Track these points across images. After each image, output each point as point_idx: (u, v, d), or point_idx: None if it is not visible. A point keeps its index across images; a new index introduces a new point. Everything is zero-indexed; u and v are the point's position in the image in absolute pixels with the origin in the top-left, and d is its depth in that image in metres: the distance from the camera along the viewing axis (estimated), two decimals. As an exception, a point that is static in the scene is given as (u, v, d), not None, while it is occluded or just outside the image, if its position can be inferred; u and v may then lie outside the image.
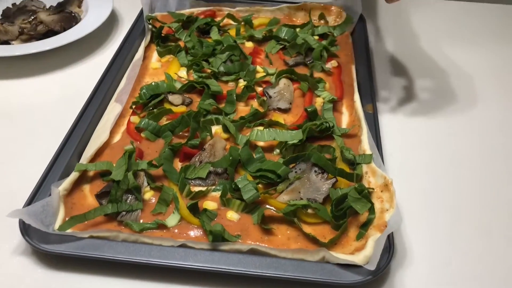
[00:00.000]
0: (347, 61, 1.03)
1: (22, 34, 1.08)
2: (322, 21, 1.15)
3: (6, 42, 1.06)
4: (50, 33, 1.08)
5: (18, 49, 1.02)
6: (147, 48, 1.04)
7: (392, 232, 0.67)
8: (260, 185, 0.75)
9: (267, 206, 0.73)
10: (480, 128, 0.93)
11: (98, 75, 0.94)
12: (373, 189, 0.73)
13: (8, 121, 0.91)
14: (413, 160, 0.85)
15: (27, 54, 1.01)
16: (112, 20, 1.19)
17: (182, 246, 0.66)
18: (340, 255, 0.64)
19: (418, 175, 0.82)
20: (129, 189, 0.72)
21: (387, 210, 0.69)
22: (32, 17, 1.11)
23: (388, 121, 0.91)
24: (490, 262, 0.70)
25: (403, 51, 1.12)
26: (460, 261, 0.70)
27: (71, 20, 1.12)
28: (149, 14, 1.10)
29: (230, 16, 1.13)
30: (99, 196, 0.73)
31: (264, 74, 0.97)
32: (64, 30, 1.09)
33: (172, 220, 0.70)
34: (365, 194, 0.70)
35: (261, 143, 0.82)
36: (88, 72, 1.03)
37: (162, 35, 1.07)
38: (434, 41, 1.15)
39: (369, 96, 0.91)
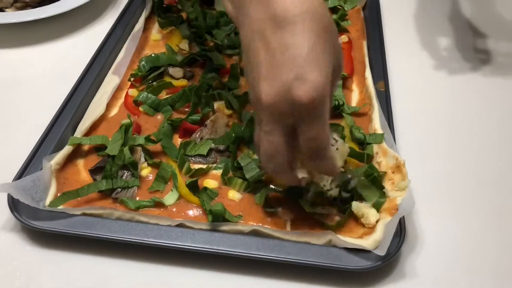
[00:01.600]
0: (358, 36, 0.98)
1: (17, 2, 1.03)
2: (332, -6, 1.09)
3: (0, 10, 1.02)
4: (47, 1, 1.03)
5: (12, 16, 0.98)
6: (147, 19, 1.00)
7: (403, 216, 0.63)
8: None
9: (271, 186, 0.68)
10: (503, 109, 0.88)
11: (95, 46, 0.90)
12: (384, 172, 0.69)
13: (1, 91, 0.87)
14: (426, 141, 0.80)
15: (22, 22, 0.96)
16: (111, -11, 1.14)
17: (180, 225, 0.62)
18: (348, 239, 0.61)
19: (431, 156, 0.78)
20: (125, 165, 0.69)
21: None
22: (28, -16, 1.06)
23: (400, 99, 0.86)
24: (504, 249, 0.66)
25: (417, 28, 1.06)
26: (473, 248, 0.66)
27: (69, -12, 1.07)
28: (151, -17, 1.05)
29: (235, -13, 1.07)
30: (93, 172, 0.69)
31: (272, 49, 0.93)
32: (61, -2, 1.04)
33: (170, 198, 0.66)
34: (375, 178, 0.66)
35: (265, 120, 0.78)
36: (86, 42, 0.98)
37: (164, 5, 1.03)
38: (451, 17, 1.10)
39: (381, 73, 0.87)
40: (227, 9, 0.60)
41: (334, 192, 0.66)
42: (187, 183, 0.67)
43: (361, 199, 0.66)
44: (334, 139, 0.63)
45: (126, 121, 0.75)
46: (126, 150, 0.69)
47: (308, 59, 0.49)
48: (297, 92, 0.49)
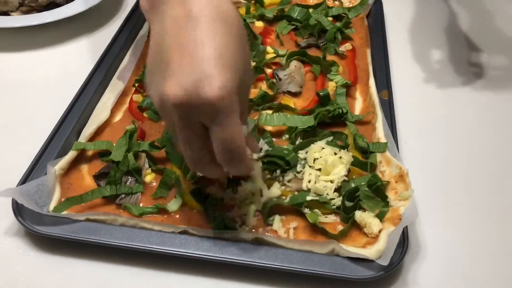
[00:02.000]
0: (361, 44, 0.98)
1: (23, 6, 1.03)
2: (336, 2, 1.10)
3: (6, 14, 1.02)
4: (52, 5, 1.03)
5: (17, 20, 0.98)
6: (152, 24, 1.00)
7: (406, 226, 0.63)
8: (266, 171, 0.71)
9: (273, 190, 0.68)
10: (506, 118, 0.88)
11: (100, 51, 0.90)
12: (388, 182, 0.69)
13: (5, 95, 0.87)
14: (429, 150, 0.81)
15: (27, 26, 0.96)
16: (117, -6, 1.14)
17: (184, 232, 0.62)
18: (351, 248, 0.61)
19: (434, 166, 0.78)
20: (129, 171, 0.69)
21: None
22: (34, -12, 1.06)
23: (403, 108, 0.86)
24: (506, 259, 0.66)
25: (420, 37, 1.07)
26: (475, 258, 0.66)
27: (74, -7, 1.07)
28: (156, -11, 1.05)
29: (240, -7, 1.08)
30: (97, 177, 0.69)
31: (274, 55, 0.93)
32: (67, 2, 1.04)
33: (173, 204, 0.66)
34: (378, 187, 0.66)
35: (269, 128, 0.78)
36: (91, 47, 0.98)
37: (169, 11, 1.03)
38: (454, 28, 1.10)
39: (385, 81, 0.87)
40: (141, 4, 0.59)
41: (337, 201, 0.67)
42: (190, 190, 0.67)
43: (364, 208, 0.66)
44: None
45: (130, 126, 0.75)
46: (130, 156, 0.69)
47: (219, 60, 0.49)
48: (205, 90, 0.48)
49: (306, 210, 0.66)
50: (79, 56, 0.97)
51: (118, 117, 0.80)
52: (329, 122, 0.79)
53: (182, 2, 0.52)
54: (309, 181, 0.68)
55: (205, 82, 0.48)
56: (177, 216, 0.66)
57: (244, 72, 0.53)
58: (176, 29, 0.51)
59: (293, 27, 1.01)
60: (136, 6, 1.04)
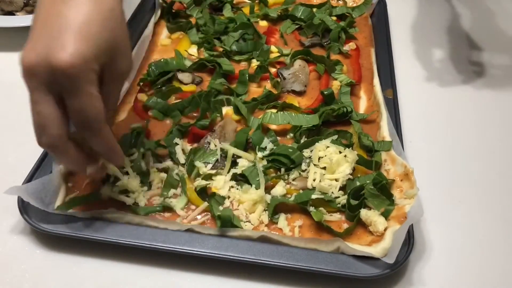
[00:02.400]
0: (365, 44, 0.98)
1: (27, 5, 1.03)
2: (340, 2, 1.10)
3: (10, 13, 1.02)
4: (57, 5, 1.04)
5: (22, 20, 0.98)
6: (157, 24, 1.00)
7: (411, 224, 0.63)
8: (271, 169, 0.72)
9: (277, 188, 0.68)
10: (508, 116, 0.88)
11: (105, 50, 0.90)
12: (393, 180, 0.69)
13: (11, 93, 0.87)
14: (434, 149, 0.81)
15: (31, 26, 0.97)
16: (121, -5, 1.14)
17: (189, 230, 0.62)
18: (357, 246, 0.61)
19: (439, 164, 0.78)
20: (134, 168, 0.69)
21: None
22: (38, -12, 1.06)
23: (407, 107, 0.86)
24: (513, 259, 0.66)
25: (424, 37, 1.07)
26: (481, 257, 0.66)
27: (79, -7, 1.07)
28: (160, -11, 1.06)
29: (244, -7, 1.08)
30: (102, 175, 0.69)
31: (279, 54, 0.93)
32: (71, 2, 1.04)
33: (179, 203, 0.67)
34: (383, 185, 0.66)
35: (274, 127, 0.78)
36: (95, 47, 0.98)
37: (173, 10, 1.03)
38: (457, 27, 1.10)
39: (389, 80, 0.87)
40: None
41: (342, 199, 0.67)
42: (197, 189, 0.67)
43: (369, 207, 0.66)
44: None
45: (136, 125, 0.75)
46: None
47: (78, 31, 0.50)
48: (56, 56, 0.49)
49: (311, 208, 0.66)
50: (83, 56, 0.97)
51: (123, 116, 0.81)
52: (333, 121, 0.79)
53: None
54: (314, 180, 0.68)
55: (57, 48, 0.49)
56: (182, 214, 0.66)
57: (112, 51, 0.54)
58: (48, 2, 0.53)
59: (297, 26, 1.01)
60: (140, 7, 1.04)
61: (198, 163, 0.69)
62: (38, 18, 0.53)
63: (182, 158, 0.72)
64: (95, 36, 0.51)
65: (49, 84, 0.51)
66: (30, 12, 1.03)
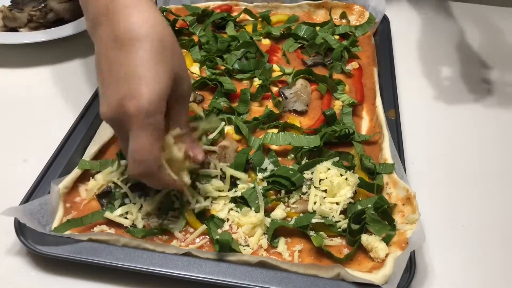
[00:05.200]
0: (368, 63, 0.98)
1: (31, 22, 1.04)
2: (343, 20, 1.10)
3: (14, 30, 1.03)
4: (60, 21, 1.04)
5: (26, 37, 0.99)
6: (159, 41, 1.00)
7: (413, 250, 0.61)
8: (271, 191, 0.71)
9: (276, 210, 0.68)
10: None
11: (107, 68, 0.90)
12: (395, 204, 0.68)
13: (11, 111, 0.87)
14: (436, 171, 0.80)
15: (35, 43, 0.97)
16: (124, 11, 1.15)
17: (186, 254, 0.61)
18: (357, 273, 0.60)
19: (441, 187, 0.77)
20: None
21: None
22: (42, 5, 1.07)
23: (410, 128, 0.85)
24: (518, 286, 0.64)
25: (427, 56, 1.06)
26: (485, 283, 0.64)
27: (82, 9, 1.08)
28: (163, 6, 1.06)
29: (247, 11, 1.08)
30: (100, 196, 0.68)
31: (281, 73, 0.92)
32: (75, 19, 1.05)
33: (177, 225, 0.66)
34: (385, 210, 0.65)
35: (274, 147, 0.77)
36: (97, 64, 0.98)
37: (176, 28, 1.03)
38: (464, 45, 1.09)
39: (392, 101, 0.86)
40: (87, 27, 0.62)
41: (343, 223, 0.66)
42: (196, 211, 0.66)
43: (370, 231, 0.65)
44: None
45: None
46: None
47: (141, 76, 0.54)
48: (128, 107, 0.54)
49: (311, 233, 0.65)
50: (86, 73, 0.97)
51: (123, 134, 0.80)
52: (335, 141, 0.78)
53: (112, 25, 0.55)
54: (315, 203, 0.67)
55: (128, 99, 0.53)
56: (180, 237, 0.65)
57: (174, 80, 0.57)
58: (106, 52, 0.56)
59: (299, 45, 1.01)
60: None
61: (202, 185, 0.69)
62: (104, 68, 0.56)
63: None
64: (157, 76, 0.54)
65: (123, 128, 0.56)
66: (34, 29, 1.03)
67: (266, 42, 1.02)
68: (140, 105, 0.53)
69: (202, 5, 1.10)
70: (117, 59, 0.54)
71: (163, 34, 0.56)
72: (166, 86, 0.55)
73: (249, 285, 0.58)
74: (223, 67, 0.93)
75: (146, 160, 0.56)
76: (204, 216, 0.67)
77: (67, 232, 0.63)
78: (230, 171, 0.70)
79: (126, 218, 0.66)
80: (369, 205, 0.66)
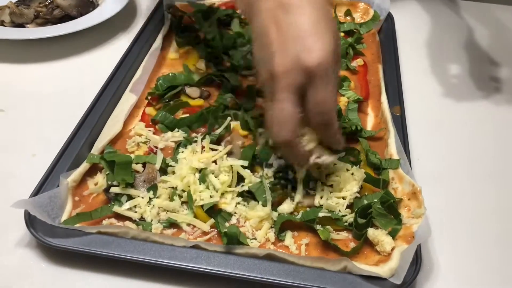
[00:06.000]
0: (373, 60, 0.98)
1: (38, 18, 1.04)
2: (348, 18, 1.10)
3: (21, 25, 1.03)
4: (67, 18, 1.05)
5: (32, 32, 0.99)
6: (165, 37, 1.01)
7: (419, 244, 0.62)
8: (278, 186, 0.71)
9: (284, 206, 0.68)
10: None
11: (113, 64, 0.91)
12: (400, 199, 0.68)
13: (19, 106, 0.88)
14: (441, 167, 0.80)
15: (41, 39, 0.98)
16: (130, 7, 1.16)
17: (195, 247, 0.62)
18: (364, 266, 0.60)
19: (447, 183, 0.78)
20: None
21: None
22: (49, 1, 1.08)
23: (414, 124, 0.86)
24: (522, 281, 0.65)
25: (432, 54, 1.07)
26: (489, 278, 0.65)
27: (89, 6, 1.09)
28: (169, 3, 1.07)
29: (252, 8, 1.08)
30: (107, 190, 0.69)
31: (286, 69, 0.93)
32: (81, 15, 1.05)
33: (185, 219, 0.66)
34: (391, 204, 0.66)
35: (281, 142, 0.78)
36: (104, 60, 0.99)
37: (182, 25, 1.04)
38: (471, 42, 1.10)
39: (397, 97, 0.87)
40: (238, 7, 0.66)
41: (350, 217, 0.66)
42: (204, 207, 0.66)
43: (376, 225, 0.65)
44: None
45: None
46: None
47: (313, 34, 0.59)
48: (306, 59, 0.58)
49: (318, 227, 0.65)
50: (92, 69, 0.97)
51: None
52: (341, 137, 0.79)
53: None
54: (321, 197, 0.68)
55: (305, 53, 0.58)
56: (189, 230, 0.65)
57: (335, 42, 0.61)
58: (271, 17, 0.61)
59: (305, 42, 1.01)
60: (149, 20, 1.05)
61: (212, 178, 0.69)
62: (270, 31, 0.61)
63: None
64: (328, 37, 0.60)
65: (298, 84, 0.59)
66: (41, 25, 1.04)
67: (271, 38, 1.02)
68: (320, 57, 0.58)
69: (207, 1, 1.11)
70: (287, 21, 0.60)
71: (321, 4, 0.62)
72: (336, 45, 0.60)
73: (257, 277, 0.59)
74: (228, 64, 0.93)
75: (329, 110, 0.60)
76: (212, 210, 0.67)
77: (77, 225, 0.64)
78: (237, 166, 0.70)
79: (135, 212, 0.66)
80: (375, 200, 0.67)
